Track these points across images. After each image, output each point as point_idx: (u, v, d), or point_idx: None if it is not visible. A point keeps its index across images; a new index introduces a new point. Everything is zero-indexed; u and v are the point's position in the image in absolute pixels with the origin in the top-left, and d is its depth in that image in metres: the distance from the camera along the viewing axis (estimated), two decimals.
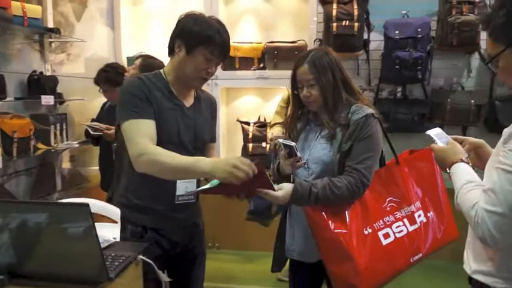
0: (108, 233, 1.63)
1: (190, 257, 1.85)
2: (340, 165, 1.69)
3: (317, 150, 1.75)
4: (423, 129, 3.59)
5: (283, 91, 3.49)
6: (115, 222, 2.40)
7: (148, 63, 2.53)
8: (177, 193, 1.71)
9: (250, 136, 3.77)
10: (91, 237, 1.18)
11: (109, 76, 2.98)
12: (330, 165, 1.71)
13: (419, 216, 1.75)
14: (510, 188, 1.13)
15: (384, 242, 1.66)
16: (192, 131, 1.73)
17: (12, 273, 1.28)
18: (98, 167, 3.33)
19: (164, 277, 1.50)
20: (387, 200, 1.73)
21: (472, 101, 3.41)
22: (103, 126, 3.01)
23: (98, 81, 3.04)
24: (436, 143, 1.47)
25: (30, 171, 3.24)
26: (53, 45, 3.43)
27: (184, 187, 1.71)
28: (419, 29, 3.33)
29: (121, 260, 1.38)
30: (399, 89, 3.61)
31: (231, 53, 3.34)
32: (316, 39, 3.64)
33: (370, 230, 1.66)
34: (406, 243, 1.69)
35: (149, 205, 1.71)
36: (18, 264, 1.28)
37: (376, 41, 3.58)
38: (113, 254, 1.41)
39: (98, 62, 3.36)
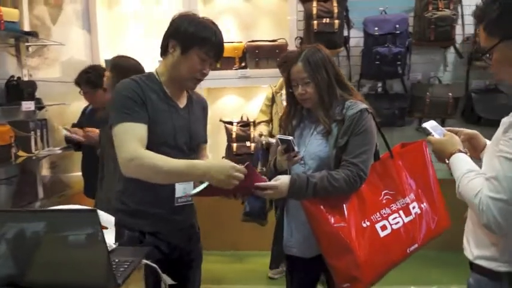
0: None
1: (187, 260, 1.84)
2: (336, 161, 1.72)
3: (313, 146, 1.77)
4: (403, 122, 3.70)
5: (267, 89, 3.50)
6: (105, 228, 2.35)
7: (118, 62, 2.48)
8: (176, 195, 1.69)
9: (234, 136, 3.74)
10: (99, 244, 1.16)
11: (90, 78, 2.91)
12: (326, 160, 1.73)
13: (413, 207, 1.79)
14: None
15: (382, 234, 1.70)
16: (187, 132, 1.72)
17: (13, 285, 1.23)
18: (80, 173, 3.25)
19: (169, 280, 1.49)
20: (383, 192, 1.76)
21: (450, 94, 3.50)
22: (80, 132, 2.93)
23: (79, 82, 2.97)
24: (433, 135, 1.51)
25: (10, 180, 3.13)
26: (30, 49, 3.33)
27: (182, 188, 1.69)
28: (397, 25, 3.40)
29: (126, 266, 1.36)
30: (379, 85, 3.67)
31: None
32: (297, 37, 3.66)
33: (368, 223, 1.69)
34: (402, 235, 1.73)
35: (149, 209, 1.68)
36: (20, 276, 1.23)
37: (356, 37, 3.63)
38: (116, 260, 1.39)
39: (75, 66, 3.28)
